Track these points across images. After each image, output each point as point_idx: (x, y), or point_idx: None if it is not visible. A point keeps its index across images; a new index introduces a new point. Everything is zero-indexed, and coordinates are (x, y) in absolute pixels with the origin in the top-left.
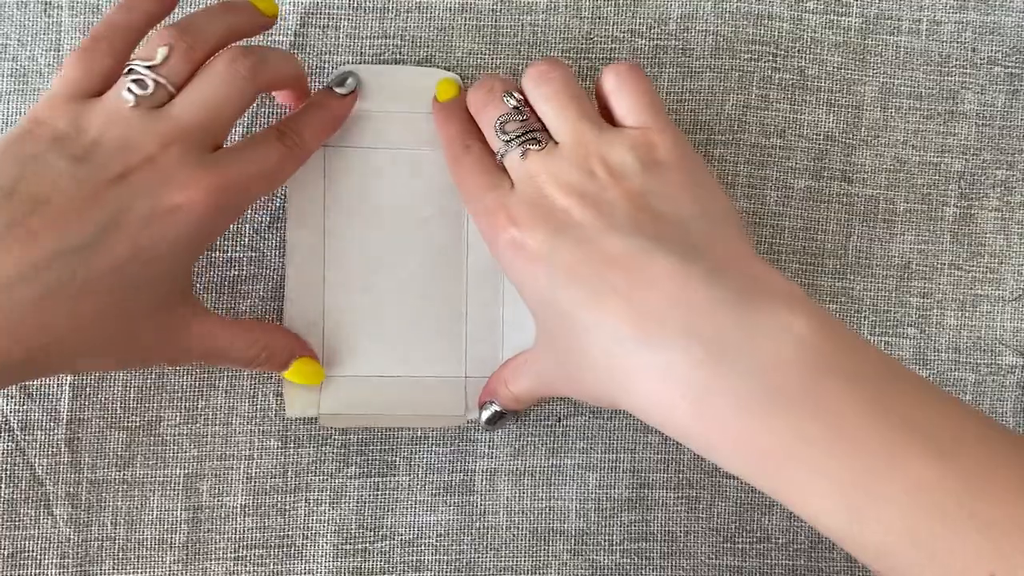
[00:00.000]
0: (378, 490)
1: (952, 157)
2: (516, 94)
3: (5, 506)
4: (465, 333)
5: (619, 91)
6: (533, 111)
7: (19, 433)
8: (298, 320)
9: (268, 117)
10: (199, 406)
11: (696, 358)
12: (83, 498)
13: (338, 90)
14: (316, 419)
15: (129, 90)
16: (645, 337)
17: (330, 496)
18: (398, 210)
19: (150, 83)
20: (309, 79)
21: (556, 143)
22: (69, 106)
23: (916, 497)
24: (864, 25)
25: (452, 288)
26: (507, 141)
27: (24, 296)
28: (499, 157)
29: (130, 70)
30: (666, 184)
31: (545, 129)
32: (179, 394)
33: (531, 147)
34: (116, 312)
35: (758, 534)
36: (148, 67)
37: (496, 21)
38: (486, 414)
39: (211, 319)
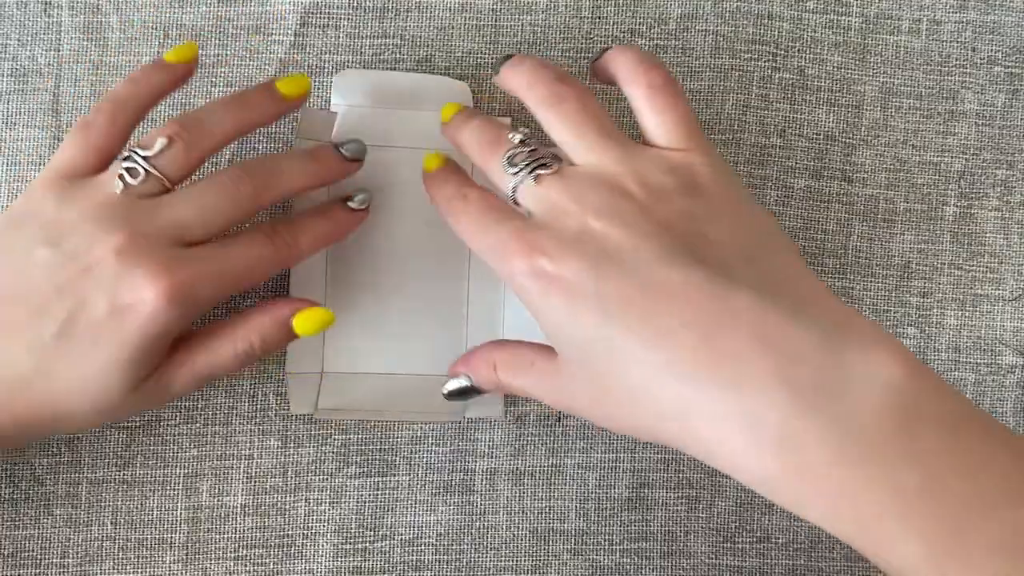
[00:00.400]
0: (378, 490)
1: (952, 157)
2: (521, 129)
3: (5, 506)
4: (466, 334)
5: (652, 107)
6: (540, 142)
7: None
8: None
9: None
10: (199, 406)
11: (786, 405)
12: (83, 498)
13: (352, 204)
14: (314, 414)
15: (120, 176)
16: (719, 378)
17: (330, 496)
18: (401, 209)
19: (141, 172)
20: (310, 78)
21: (573, 165)
22: (61, 185)
23: (1011, 542)
24: (864, 25)
25: (454, 289)
26: (516, 173)
27: (9, 378)
28: (511, 193)
29: (127, 156)
30: (714, 209)
31: (556, 156)
32: None
33: (542, 171)
34: (91, 394)
35: (758, 534)
36: (144, 156)
37: (496, 21)
38: (453, 385)
39: (187, 354)
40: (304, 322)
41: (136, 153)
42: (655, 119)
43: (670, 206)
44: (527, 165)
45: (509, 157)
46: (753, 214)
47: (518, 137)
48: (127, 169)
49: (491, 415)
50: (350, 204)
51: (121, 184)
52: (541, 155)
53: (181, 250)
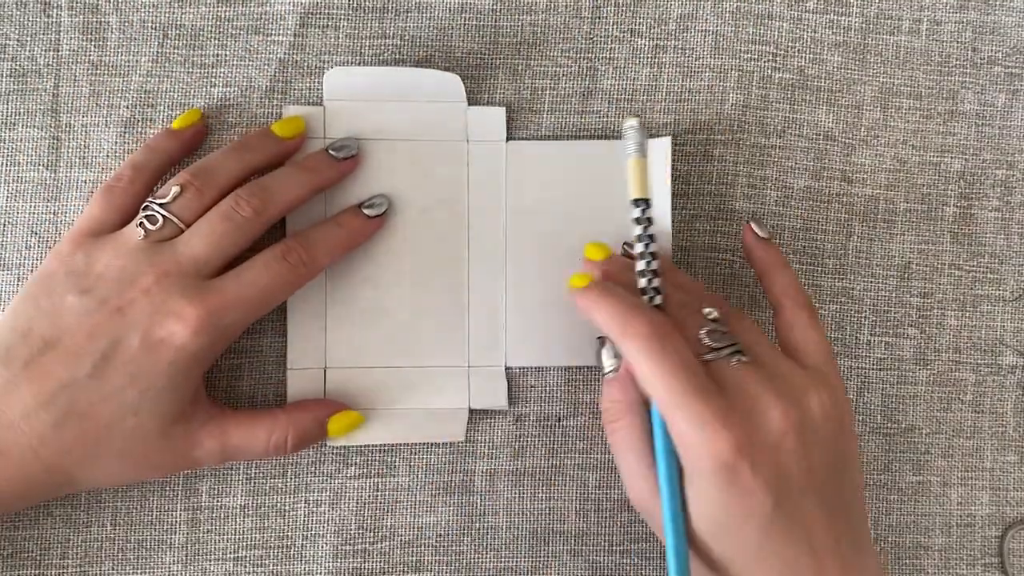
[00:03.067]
0: (378, 491)
1: (952, 157)
2: (712, 308)
3: None
4: (468, 323)
5: (808, 324)
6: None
7: None
8: (301, 313)
9: None
10: None
11: None
12: (82, 498)
13: (367, 212)
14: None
15: (141, 224)
16: None
17: (330, 497)
18: (398, 200)
19: (160, 219)
20: (308, 78)
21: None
22: (87, 241)
23: None
24: (864, 25)
25: (454, 278)
26: (716, 349)
27: (42, 423)
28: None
29: (146, 206)
30: (838, 448)
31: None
32: None
33: (740, 358)
34: (121, 433)
35: None
36: (160, 204)
37: (496, 21)
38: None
39: (222, 423)
40: (337, 424)
41: (154, 203)
42: (806, 335)
43: (818, 436)
44: (727, 346)
45: (707, 331)
46: (854, 455)
47: (714, 313)
48: (147, 217)
49: (495, 406)
50: (365, 211)
51: (142, 232)
52: (735, 340)
53: (203, 282)
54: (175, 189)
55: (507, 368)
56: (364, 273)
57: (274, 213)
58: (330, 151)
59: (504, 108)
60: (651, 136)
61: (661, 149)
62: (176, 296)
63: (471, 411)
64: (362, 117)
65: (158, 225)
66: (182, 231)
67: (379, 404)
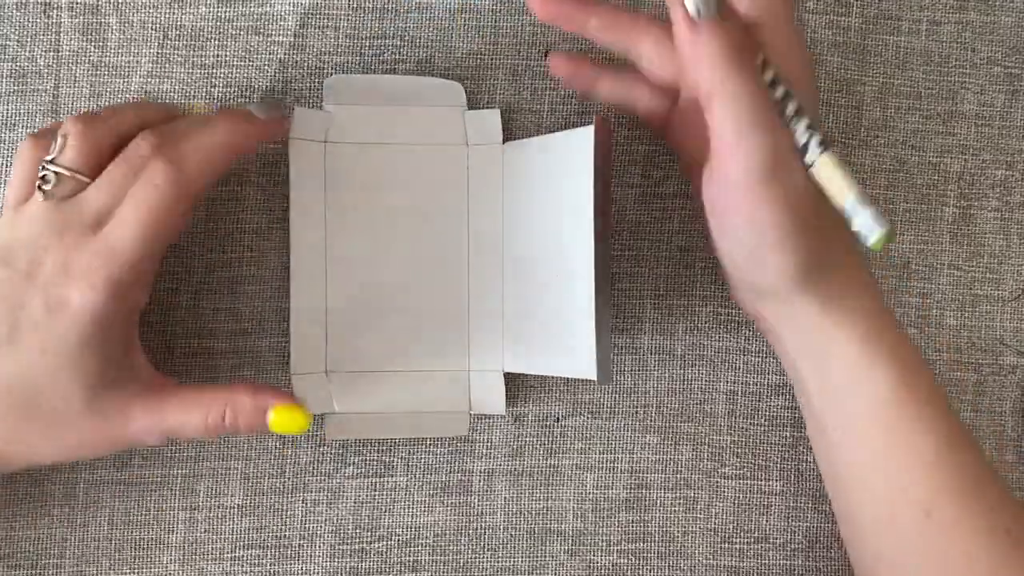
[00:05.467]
0: (375, 490)
1: (951, 157)
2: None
3: (3, 506)
4: (468, 328)
5: None
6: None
7: None
8: (302, 317)
9: None
10: None
11: None
12: (80, 498)
13: (256, 111)
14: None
15: (39, 187)
16: None
17: (327, 496)
18: (399, 206)
19: (52, 177)
20: (308, 78)
21: None
22: (9, 216)
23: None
24: (864, 25)
25: (454, 285)
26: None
27: None
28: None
29: (40, 167)
30: None
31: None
32: None
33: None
34: (46, 404)
35: (755, 534)
36: (49, 160)
37: (496, 21)
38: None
39: (160, 396)
40: (279, 418)
41: (44, 161)
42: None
43: None
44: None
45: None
46: None
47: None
48: (41, 178)
49: (494, 411)
50: (256, 112)
51: (42, 194)
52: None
53: (98, 233)
54: (59, 140)
55: (505, 374)
56: (365, 279)
57: (182, 156)
58: (252, 110)
59: (499, 109)
60: (577, 126)
61: (586, 138)
62: (73, 253)
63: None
64: (362, 122)
65: (52, 184)
66: (84, 183)
67: (381, 406)
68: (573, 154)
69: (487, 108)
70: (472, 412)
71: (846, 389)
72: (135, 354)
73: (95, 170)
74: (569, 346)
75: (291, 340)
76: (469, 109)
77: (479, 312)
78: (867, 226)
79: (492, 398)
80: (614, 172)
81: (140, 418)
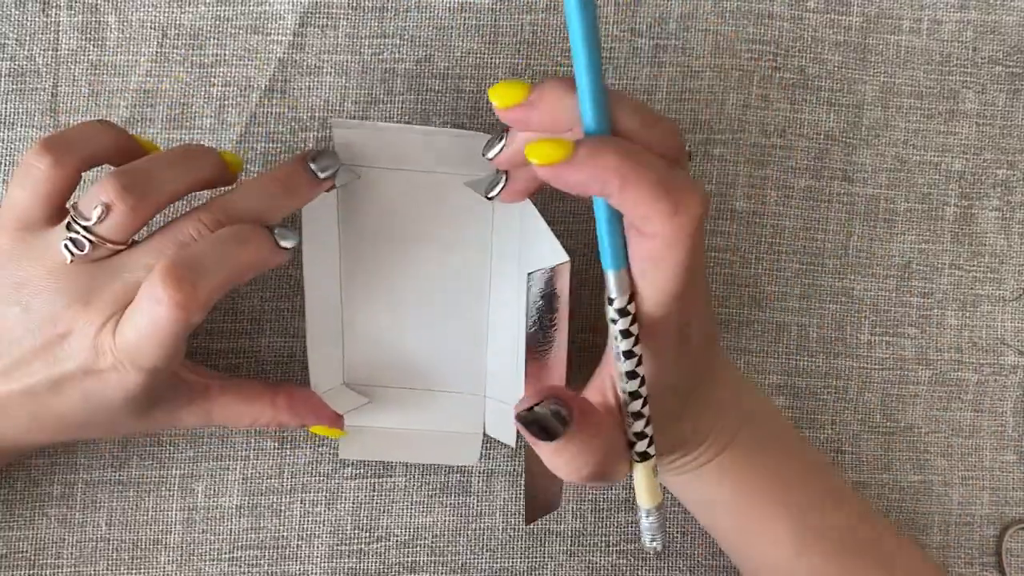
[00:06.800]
0: (374, 491)
1: (953, 156)
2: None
3: (1, 506)
4: (486, 356)
5: None
6: None
7: None
8: (319, 333)
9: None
10: None
11: None
12: (78, 498)
13: (283, 243)
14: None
15: (66, 246)
16: None
17: (326, 497)
18: (420, 233)
19: (86, 244)
20: (308, 77)
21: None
22: (17, 236)
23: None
24: (865, 24)
25: (474, 314)
26: None
27: (20, 415)
28: None
29: (69, 224)
30: None
31: None
32: None
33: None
34: (98, 425)
35: None
36: (84, 226)
37: (496, 21)
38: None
39: (206, 403)
40: (319, 430)
41: (77, 223)
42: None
43: None
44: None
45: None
46: None
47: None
48: (71, 239)
49: (505, 440)
50: (279, 239)
51: (69, 255)
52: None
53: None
54: (100, 208)
55: None
56: (383, 300)
57: (196, 282)
58: (311, 164)
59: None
60: None
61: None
62: (106, 336)
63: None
64: (380, 144)
65: (85, 251)
66: (119, 249)
67: (395, 423)
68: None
69: (487, 111)
70: (486, 433)
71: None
72: (181, 371)
73: (131, 239)
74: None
75: (308, 357)
76: (471, 114)
77: (496, 345)
78: (647, 533)
79: (504, 428)
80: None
81: (188, 420)
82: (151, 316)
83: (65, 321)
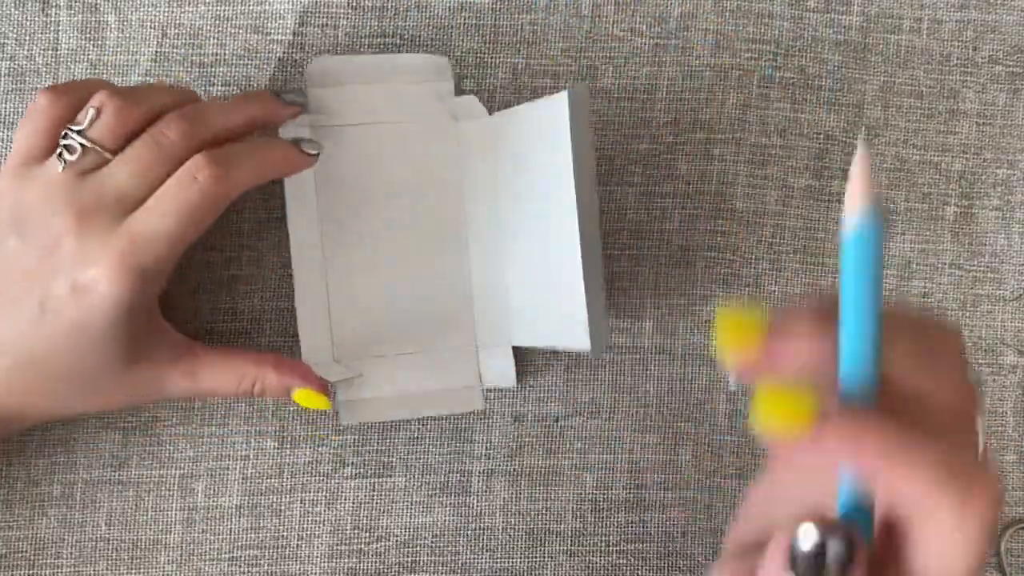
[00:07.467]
0: (374, 491)
1: (953, 156)
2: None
3: (0, 506)
4: (473, 304)
5: None
6: None
7: None
8: (307, 305)
9: None
10: (195, 406)
11: None
12: (77, 498)
13: (307, 149)
14: (336, 415)
15: (60, 155)
16: None
17: (326, 497)
18: (393, 186)
19: (78, 148)
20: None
21: None
22: (19, 173)
23: None
24: (865, 24)
25: (456, 259)
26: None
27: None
28: None
29: (64, 134)
30: None
31: None
32: None
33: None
34: (80, 375)
35: None
36: (77, 131)
37: (495, 20)
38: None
39: (192, 363)
40: (301, 397)
41: (71, 129)
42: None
43: None
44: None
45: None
46: None
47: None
48: (65, 147)
49: (504, 384)
50: (303, 147)
51: (62, 163)
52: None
53: (123, 220)
54: (91, 111)
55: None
56: (364, 261)
57: (205, 137)
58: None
59: (473, 96)
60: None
61: (560, 107)
62: (94, 238)
63: (465, 420)
64: (349, 101)
65: (77, 155)
66: (106, 160)
67: (393, 390)
68: (550, 123)
69: (479, 107)
70: (484, 386)
71: None
72: (161, 325)
73: (121, 147)
74: (563, 318)
75: (299, 328)
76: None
77: (482, 287)
78: None
79: (502, 372)
80: (613, 171)
81: (173, 381)
82: (181, 197)
83: (54, 233)
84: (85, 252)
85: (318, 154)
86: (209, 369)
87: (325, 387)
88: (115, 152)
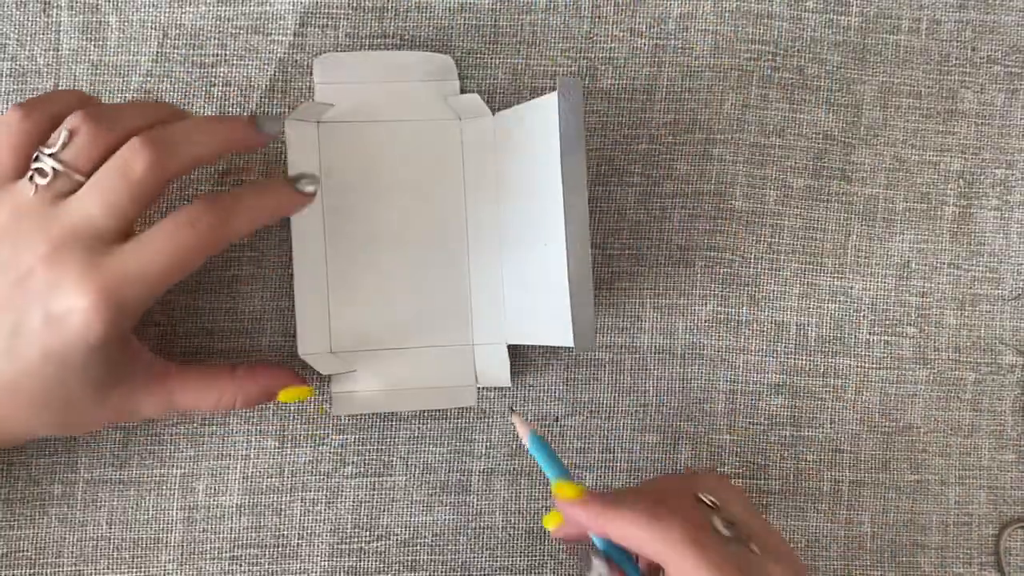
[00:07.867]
0: (374, 490)
1: (951, 156)
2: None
3: (1, 505)
4: (470, 302)
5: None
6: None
7: None
8: (306, 299)
9: None
10: None
11: None
12: (79, 498)
13: (304, 187)
14: (330, 411)
15: (31, 178)
16: None
17: (326, 496)
18: (395, 183)
19: (49, 171)
20: (308, 77)
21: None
22: None
23: None
24: (864, 24)
25: (456, 257)
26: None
27: None
28: None
29: (36, 156)
30: None
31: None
32: None
33: (753, 547)
34: (54, 402)
35: None
36: (49, 154)
37: (495, 21)
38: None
39: (166, 384)
40: (287, 396)
41: (43, 152)
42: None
43: None
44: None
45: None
46: None
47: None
48: (36, 169)
49: (499, 383)
50: (298, 186)
51: (34, 187)
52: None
53: (103, 252)
54: (64, 133)
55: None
56: (365, 256)
57: (175, 168)
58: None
59: (475, 94)
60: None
61: (551, 104)
62: (71, 270)
63: (465, 419)
64: (354, 100)
65: (48, 179)
66: (80, 184)
67: (388, 385)
68: (543, 121)
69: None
70: (479, 385)
71: None
72: (135, 348)
73: (92, 172)
74: (550, 312)
75: (296, 318)
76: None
77: (480, 285)
78: None
79: (497, 371)
80: (613, 171)
81: (149, 404)
82: (177, 241)
83: (27, 261)
84: (60, 283)
85: (315, 191)
86: (185, 390)
87: (303, 379)
88: (88, 176)
